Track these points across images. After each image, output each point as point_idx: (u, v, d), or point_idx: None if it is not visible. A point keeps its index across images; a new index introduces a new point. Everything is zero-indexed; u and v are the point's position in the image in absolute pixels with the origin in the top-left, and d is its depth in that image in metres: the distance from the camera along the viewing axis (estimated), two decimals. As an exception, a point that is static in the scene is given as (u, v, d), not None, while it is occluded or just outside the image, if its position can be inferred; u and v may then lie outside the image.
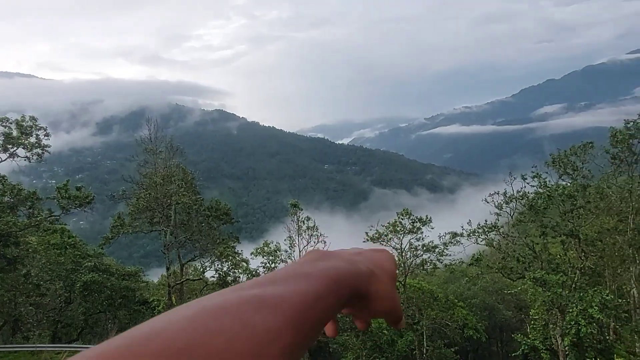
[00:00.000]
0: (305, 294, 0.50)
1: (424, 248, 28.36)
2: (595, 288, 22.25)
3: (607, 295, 21.46)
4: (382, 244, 28.61)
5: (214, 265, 30.75)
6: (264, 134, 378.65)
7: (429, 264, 28.76)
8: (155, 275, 47.34)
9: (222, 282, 30.13)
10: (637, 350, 21.35)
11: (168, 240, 30.40)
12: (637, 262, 22.96)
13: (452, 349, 29.77)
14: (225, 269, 30.40)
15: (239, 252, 31.26)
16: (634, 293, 23.16)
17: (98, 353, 0.39)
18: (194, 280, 34.07)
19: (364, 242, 28.81)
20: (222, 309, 0.43)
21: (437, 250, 28.02)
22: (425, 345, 27.83)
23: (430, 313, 28.70)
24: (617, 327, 22.88)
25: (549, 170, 24.02)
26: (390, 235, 28.68)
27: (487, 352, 41.12)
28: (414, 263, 29.01)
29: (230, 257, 30.12)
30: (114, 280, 27.33)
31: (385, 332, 28.56)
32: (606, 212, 24.08)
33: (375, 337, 28.62)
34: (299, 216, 29.90)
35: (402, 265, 28.59)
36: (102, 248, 29.77)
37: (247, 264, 30.28)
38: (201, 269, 32.82)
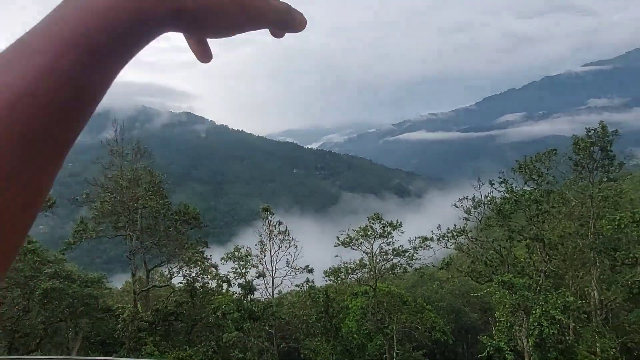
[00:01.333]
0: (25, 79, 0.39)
1: (395, 252, 28.62)
2: (559, 290, 23.08)
3: (569, 297, 22.32)
4: (354, 249, 28.74)
5: (182, 271, 29.95)
6: (232, 138, 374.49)
7: (399, 268, 29.03)
8: (119, 282, 45.66)
9: (191, 288, 29.38)
10: (597, 351, 22.23)
11: (134, 246, 29.43)
12: (598, 265, 23.97)
13: (421, 352, 30.13)
14: (193, 274, 29.65)
15: (208, 257, 30.60)
16: (594, 295, 24.13)
17: None
18: (160, 286, 33.06)
19: (335, 246, 28.84)
20: None
21: (407, 254, 28.34)
22: (395, 349, 28.02)
23: (400, 317, 28.93)
24: (578, 327, 23.75)
25: (515, 176, 24.82)
26: (361, 240, 28.81)
27: (453, 354, 41.75)
28: (384, 267, 29.21)
29: (199, 263, 29.42)
30: (76, 287, 26.11)
31: (356, 336, 28.60)
32: (568, 216, 25.08)
33: (346, 342, 28.61)
34: (271, 220, 29.61)
35: (373, 269, 28.77)
36: (63, 254, 28.51)
37: (216, 269, 29.65)
38: (168, 275, 31.89)
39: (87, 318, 27.50)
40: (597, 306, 23.95)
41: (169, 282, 31.87)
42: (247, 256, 28.99)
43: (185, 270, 29.85)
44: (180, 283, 30.49)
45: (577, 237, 24.00)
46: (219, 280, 29.22)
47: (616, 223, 21.95)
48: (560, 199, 24.54)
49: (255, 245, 29.73)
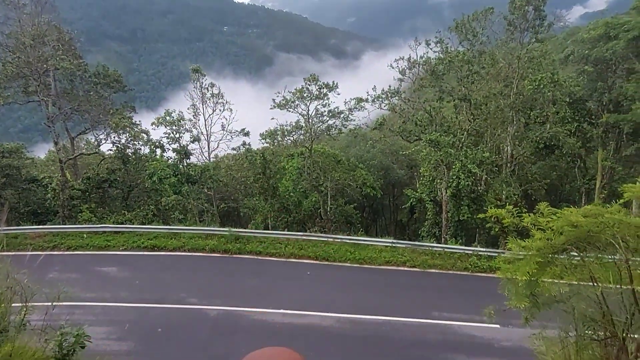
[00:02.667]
0: None
1: (330, 114, 28.88)
2: (478, 147, 25.16)
3: (485, 153, 24.53)
4: (290, 111, 28.58)
5: (110, 138, 28.65)
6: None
7: (334, 129, 29.62)
8: (41, 151, 43.22)
9: (122, 155, 28.53)
10: (503, 197, 25.41)
11: (51, 112, 27.16)
12: (515, 123, 26.01)
13: (352, 205, 32.81)
14: (123, 141, 28.52)
15: (137, 122, 29.23)
16: (507, 150, 26.64)
17: None
18: (88, 154, 31.78)
19: (271, 109, 28.46)
20: None
21: (342, 115, 28.75)
22: (329, 204, 30.16)
23: (334, 175, 30.54)
24: (489, 179, 26.59)
25: (451, 35, 24.77)
26: (297, 102, 28.54)
27: (380, 206, 45.92)
28: (319, 129, 29.69)
29: (128, 129, 28.10)
30: (-8, 158, 24.51)
31: (292, 194, 30.20)
32: (495, 77, 26.13)
33: (283, 200, 30.25)
34: (202, 83, 28.12)
35: (309, 131, 29.20)
36: (-32, 122, 25.91)
37: (147, 135, 28.63)
38: (95, 142, 30.49)
39: (12, 189, 26.42)
40: (508, 160, 26.65)
41: (97, 150, 30.62)
42: (179, 120, 28.02)
43: (114, 137, 28.57)
44: (110, 150, 29.42)
45: (500, 97, 25.38)
46: (152, 146, 28.48)
47: (537, 83, 23.29)
48: (490, 60, 25.20)
49: (188, 109, 28.61)
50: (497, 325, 14.04)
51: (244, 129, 29.39)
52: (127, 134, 28.29)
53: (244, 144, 29.34)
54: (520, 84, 24.72)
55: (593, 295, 3.97)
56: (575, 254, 4.23)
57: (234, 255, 21.78)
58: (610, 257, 4.21)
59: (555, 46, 28.82)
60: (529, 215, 4.73)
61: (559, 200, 32.41)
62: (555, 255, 4.07)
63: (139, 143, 28.75)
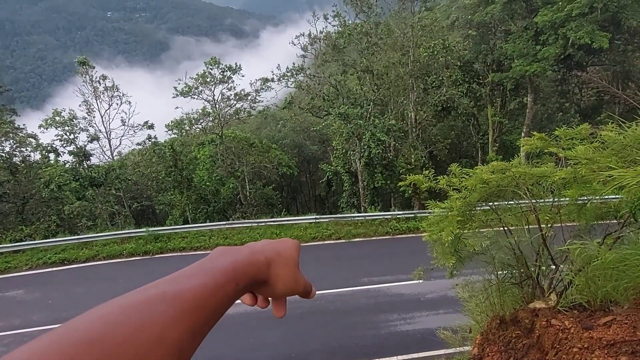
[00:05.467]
0: (203, 286, 0.58)
1: (237, 97, 28.26)
2: (385, 116, 26.26)
3: (391, 121, 25.71)
4: (194, 98, 27.43)
5: (-8, 148, 25.45)
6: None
7: (243, 112, 29.10)
8: None
9: (9, 165, 25.48)
10: (412, 161, 26.96)
11: None
12: (415, 89, 27.46)
13: (271, 186, 32.78)
14: (7, 149, 25.45)
15: (21, 126, 26.22)
16: (411, 116, 28.14)
17: (26, 350, 0.43)
18: (-33, 168, 27.94)
19: (174, 97, 27.07)
20: (131, 306, 0.51)
21: (249, 97, 28.27)
22: (247, 188, 29.81)
23: (249, 159, 30.17)
24: (397, 145, 28.00)
25: (348, 9, 25.22)
26: (200, 88, 27.47)
27: (298, 184, 46.39)
28: (228, 113, 28.98)
29: (11, 134, 25.11)
30: None
31: (208, 184, 29.35)
32: (392, 47, 27.24)
33: (199, 190, 29.30)
34: (92, 75, 25.79)
35: (217, 116, 28.34)
36: None
37: (36, 139, 25.80)
38: (-26, 155, 26.86)
39: None
40: (413, 125, 28.21)
41: (-23, 163, 27.04)
42: (71, 120, 25.57)
43: (-4, 147, 25.41)
44: (-7, 161, 26.16)
45: (399, 66, 26.57)
46: (43, 151, 25.79)
47: (430, 50, 24.69)
48: (386, 30, 26.13)
49: (80, 106, 26.19)
50: (421, 281, 15.07)
51: (147, 121, 27.71)
52: (12, 141, 25.29)
53: (149, 137, 27.70)
54: (415, 51, 26.03)
55: (507, 244, 4.44)
56: (489, 207, 4.67)
57: (156, 256, 20.77)
58: (517, 204, 4.70)
59: (441, 13, 30.60)
60: (443, 177, 5.09)
61: (459, 156, 35.12)
62: (473, 212, 4.48)
63: (27, 149, 25.90)
